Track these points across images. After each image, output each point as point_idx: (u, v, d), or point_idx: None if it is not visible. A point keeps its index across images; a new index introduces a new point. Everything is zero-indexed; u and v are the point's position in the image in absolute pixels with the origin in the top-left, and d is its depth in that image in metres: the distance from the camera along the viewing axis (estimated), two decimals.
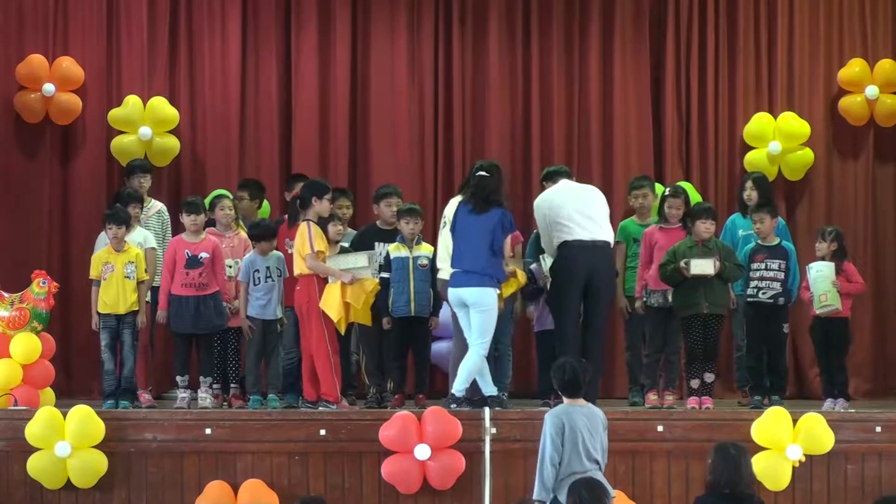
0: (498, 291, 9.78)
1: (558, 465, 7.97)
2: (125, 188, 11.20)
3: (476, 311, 9.67)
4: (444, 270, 10.01)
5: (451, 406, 9.60)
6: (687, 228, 10.33)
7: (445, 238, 10.01)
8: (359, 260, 9.93)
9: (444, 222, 10.10)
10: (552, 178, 10.67)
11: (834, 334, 10.29)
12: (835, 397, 10.25)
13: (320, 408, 9.77)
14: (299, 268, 9.92)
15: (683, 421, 9.69)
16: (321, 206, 10.06)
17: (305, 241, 9.84)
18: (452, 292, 9.76)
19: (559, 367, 8.30)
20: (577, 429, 8.04)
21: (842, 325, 10.30)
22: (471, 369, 9.67)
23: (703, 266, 9.95)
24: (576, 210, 10.09)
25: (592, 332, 10.13)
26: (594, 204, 10.24)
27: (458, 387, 9.67)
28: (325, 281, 9.87)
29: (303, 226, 9.95)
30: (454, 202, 10.07)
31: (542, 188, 10.71)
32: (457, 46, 12.63)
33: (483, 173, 9.85)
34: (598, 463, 8.06)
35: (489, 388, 9.83)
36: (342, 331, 9.98)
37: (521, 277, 10.14)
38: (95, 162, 12.31)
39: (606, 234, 10.17)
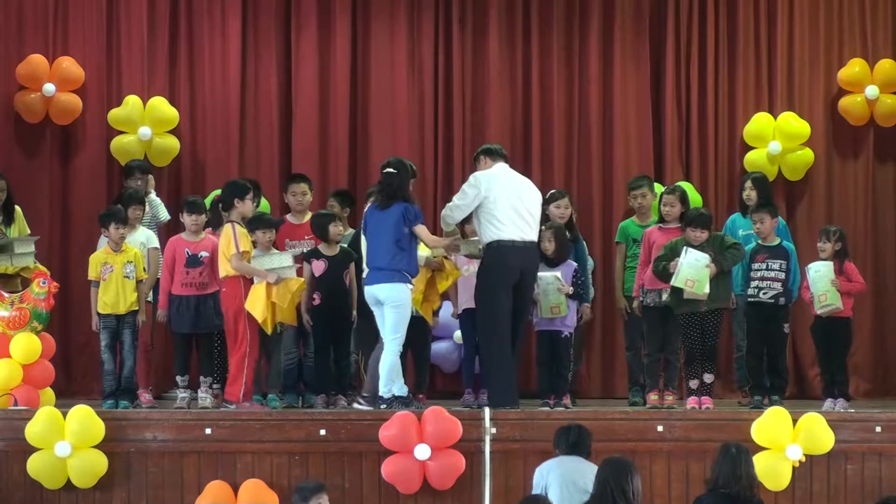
0: (410, 287, 9.75)
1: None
2: (126, 189, 11.20)
3: (389, 308, 9.66)
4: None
5: (382, 407, 9.60)
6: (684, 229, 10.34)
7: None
8: (283, 260, 9.95)
9: None
10: (493, 156, 10.34)
11: (835, 334, 10.29)
12: (835, 397, 10.25)
13: (222, 407, 9.83)
14: (224, 269, 9.91)
15: (683, 421, 9.69)
16: (244, 207, 10.08)
17: (230, 241, 9.84)
18: (368, 290, 9.75)
19: (565, 429, 8.25)
20: (567, 481, 7.98)
21: (843, 324, 10.30)
22: (390, 367, 9.67)
23: (699, 257, 9.91)
24: (512, 206, 10.00)
25: (516, 331, 10.08)
26: (530, 202, 10.15)
27: (384, 388, 9.67)
28: (251, 282, 9.88)
29: (227, 227, 9.97)
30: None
31: (476, 162, 10.46)
32: (457, 46, 12.63)
33: (391, 170, 9.83)
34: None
35: (401, 388, 9.80)
36: (268, 331, 9.95)
37: (454, 269, 10.09)
38: (95, 162, 12.32)
39: (536, 234, 10.14)
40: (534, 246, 10.09)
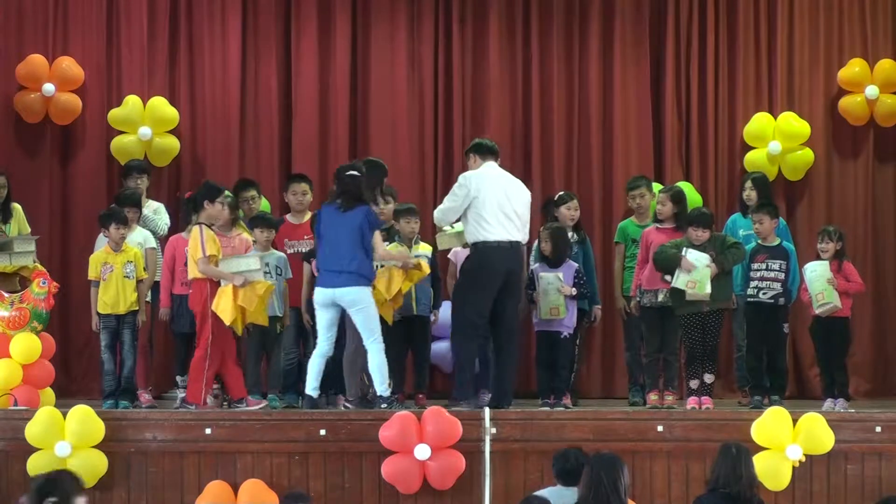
0: (370, 289, 9.74)
1: None
2: (124, 189, 11.20)
3: (356, 311, 9.64)
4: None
5: (382, 406, 9.60)
6: (684, 229, 10.34)
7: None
8: (250, 262, 9.94)
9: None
10: (482, 153, 10.29)
11: (834, 334, 10.29)
12: (835, 397, 10.25)
13: (191, 407, 9.83)
14: (192, 272, 9.93)
15: (683, 421, 9.68)
16: (213, 210, 10.09)
17: (198, 244, 9.85)
18: (323, 292, 9.68)
19: (562, 455, 8.11)
20: None
21: (842, 324, 10.30)
22: (381, 367, 9.65)
23: (699, 257, 9.92)
24: (500, 207, 9.99)
25: (507, 331, 10.09)
26: (519, 202, 10.14)
27: (381, 388, 9.66)
28: (219, 284, 9.89)
29: (195, 230, 9.98)
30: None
31: (467, 158, 10.43)
32: (457, 46, 12.63)
33: (355, 172, 9.82)
34: None
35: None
36: (239, 332, 9.96)
37: (426, 268, 10.08)
38: (95, 162, 12.31)
39: (523, 234, 10.13)
40: (519, 246, 10.09)
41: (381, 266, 9.96)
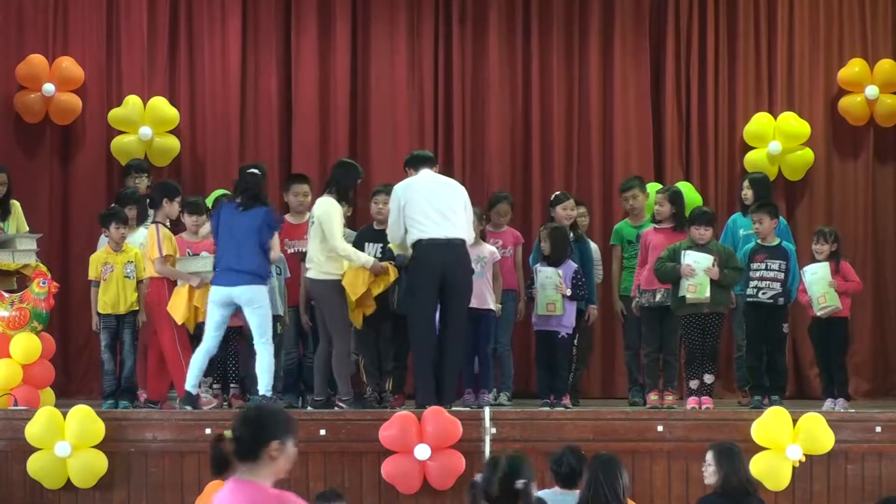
0: (266, 289, 9.75)
1: None
2: (124, 188, 11.21)
3: (252, 310, 9.63)
4: (313, 270, 9.99)
5: (273, 399, 9.60)
6: (682, 230, 10.34)
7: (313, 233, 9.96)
8: (206, 263, 9.97)
9: (312, 221, 9.99)
10: (415, 165, 10.31)
11: (834, 334, 10.28)
12: (835, 397, 10.25)
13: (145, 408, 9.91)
14: (148, 270, 9.96)
15: (683, 421, 9.69)
16: (171, 209, 10.13)
17: (154, 244, 9.88)
18: (220, 290, 9.65)
19: (557, 459, 7.97)
20: None
21: (841, 324, 10.29)
22: (269, 368, 9.66)
23: (699, 259, 9.92)
24: (430, 206, 9.94)
25: (453, 330, 10.02)
26: (452, 200, 10.08)
27: (265, 388, 9.65)
28: (175, 283, 9.90)
29: (151, 228, 10.02)
30: (324, 201, 10.01)
31: (406, 174, 10.38)
32: (457, 46, 12.63)
33: (254, 171, 9.83)
34: None
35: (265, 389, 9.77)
36: (191, 330, 9.98)
37: (393, 273, 10.09)
38: (95, 162, 12.32)
39: (462, 231, 10.03)
40: (459, 242, 9.98)
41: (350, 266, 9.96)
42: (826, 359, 10.40)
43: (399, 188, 10.11)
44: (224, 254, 9.71)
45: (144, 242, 10.13)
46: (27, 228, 10.82)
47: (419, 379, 10.01)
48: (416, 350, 10.02)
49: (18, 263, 10.42)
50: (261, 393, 9.69)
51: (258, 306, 9.65)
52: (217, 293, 9.67)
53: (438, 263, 9.89)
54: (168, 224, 10.25)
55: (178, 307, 9.82)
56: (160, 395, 10.20)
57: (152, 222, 10.09)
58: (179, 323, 9.85)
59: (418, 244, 9.93)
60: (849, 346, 10.64)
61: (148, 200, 10.33)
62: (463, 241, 10.01)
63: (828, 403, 10.23)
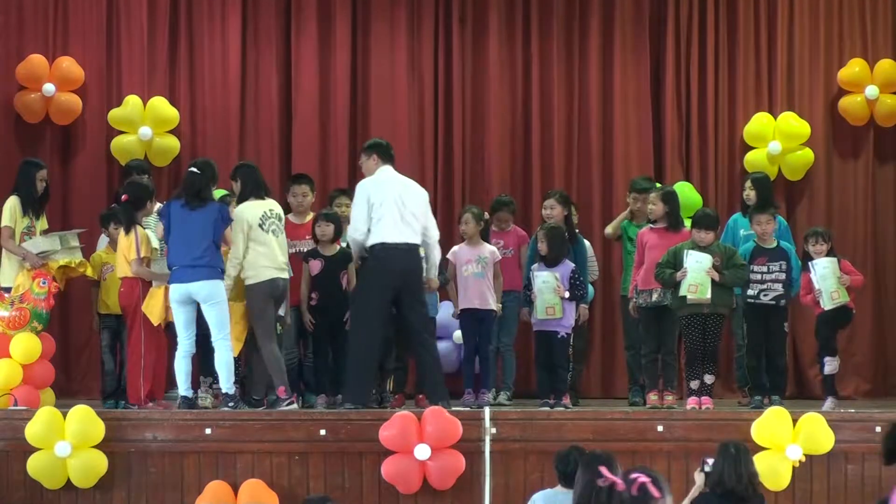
0: (223, 283, 9.72)
1: None
2: (135, 180, 11.18)
3: (210, 305, 9.62)
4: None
5: (229, 405, 9.58)
6: (677, 229, 10.34)
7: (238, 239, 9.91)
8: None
9: (250, 225, 9.93)
10: (382, 157, 10.15)
11: (841, 318, 10.38)
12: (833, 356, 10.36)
13: (133, 408, 9.84)
14: (123, 270, 9.95)
15: (683, 421, 9.68)
16: (151, 208, 10.16)
17: (132, 245, 9.86)
18: (178, 288, 9.63)
19: (564, 458, 7.94)
20: None
21: (848, 310, 10.35)
22: (228, 365, 9.65)
23: (700, 259, 9.91)
24: (398, 210, 9.94)
25: (418, 337, 10.02)
26: (416, 205, 10.08)
27: (226, 386, 9.65)
28: (150, 284, 9.90)
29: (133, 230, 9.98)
30: (251, 206, 9.99)
31: (367, 156, 10.25)
32: (457, 46, 12.64)
33: (194, 170, 9.82)
34: None
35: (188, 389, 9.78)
36: (162, 326, 9.99)
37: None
38: (95, 162, 12.33)
39: (419, 237, 10.05)
40: (416, 248, 10.02)
41: None
42: (832, 332, 10.48)
43: (369, 184, 10.08)
44: (177, 251, 9.68)
45: (121, 243, 10.04)
46: (47, 226, 10.77)
47: (351, 377, 9.93)
48: (355, 349, 9.90)
49: (76, 259, 10.31)
50: (223, 391, 9.69)
51: (217, 301, 9.63)
52: (176, 291, 9.65)
53: (398, 268, 9.91)
54: (143, 224, 10.19)
55: (153, 308, 9.79)
56: (138, 398, 9.98)
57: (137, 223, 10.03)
58: (155, 324, 9.80)
59: (380, 246, 9.91)
60: (850, 322, 10.70)
61: (129, 203, 10.23)
62: (418, 247, 10.04)
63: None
